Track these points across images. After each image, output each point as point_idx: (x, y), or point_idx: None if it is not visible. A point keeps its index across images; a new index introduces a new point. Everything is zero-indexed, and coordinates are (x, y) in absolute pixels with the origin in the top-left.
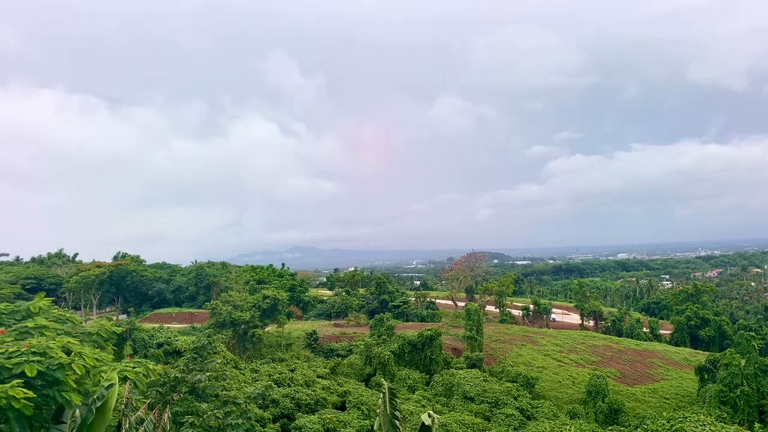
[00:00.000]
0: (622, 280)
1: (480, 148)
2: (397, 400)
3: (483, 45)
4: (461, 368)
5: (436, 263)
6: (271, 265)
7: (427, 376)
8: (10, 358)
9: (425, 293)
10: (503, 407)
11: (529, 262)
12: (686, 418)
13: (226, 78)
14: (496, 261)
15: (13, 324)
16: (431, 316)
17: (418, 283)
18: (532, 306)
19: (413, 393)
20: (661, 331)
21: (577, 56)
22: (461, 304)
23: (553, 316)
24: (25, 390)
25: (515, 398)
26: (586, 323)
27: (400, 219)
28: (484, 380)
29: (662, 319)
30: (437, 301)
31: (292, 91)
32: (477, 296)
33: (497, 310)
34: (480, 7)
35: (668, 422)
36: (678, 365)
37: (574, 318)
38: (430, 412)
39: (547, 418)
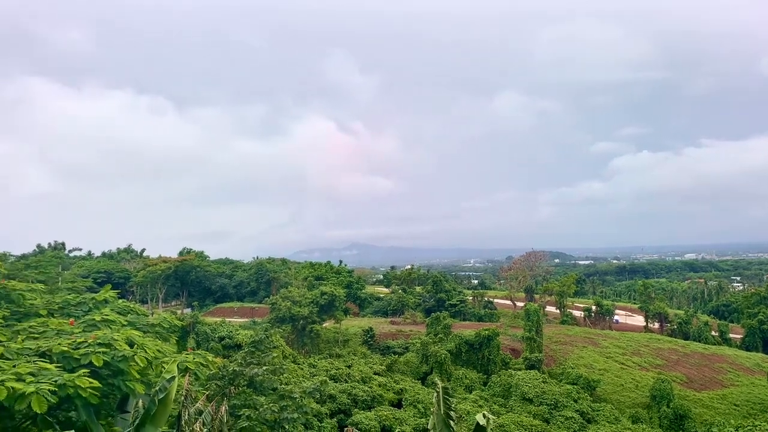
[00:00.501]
0: (689, 281)
1: (541, 145)
2: (452, 400)
3: (546, 39)
4: (520, 369)
5: (495, 262)
6: (328, 262)
7: (485, 376)
8: (78, 348)
9: (483, 292)
10: (563, 409)
11: (592, 262)
12: (756, 426)
13: (287, 78)
14: (557, 261)
15: (81, 315)
16: (489, 315)
17: (476, 282)
18: (594, 307)
19: (470, 393)
20: (731, 335)
21: (645, 49)
22: (520, 304)
23: (616, 317)
24: (90, 379)
25: (575, 401)
26: (650, 325)
27: (457, 217)
28: (543, 382)
29: (732, 322)
30: (495, 300)
31: (351, 89)
32: (537, 296)
33: (558, 310)
34: (544, 0)
35: (737, 430)
36: (749, 371)
37: (638, 320)
38: (485, 412)
39: (608, 422)
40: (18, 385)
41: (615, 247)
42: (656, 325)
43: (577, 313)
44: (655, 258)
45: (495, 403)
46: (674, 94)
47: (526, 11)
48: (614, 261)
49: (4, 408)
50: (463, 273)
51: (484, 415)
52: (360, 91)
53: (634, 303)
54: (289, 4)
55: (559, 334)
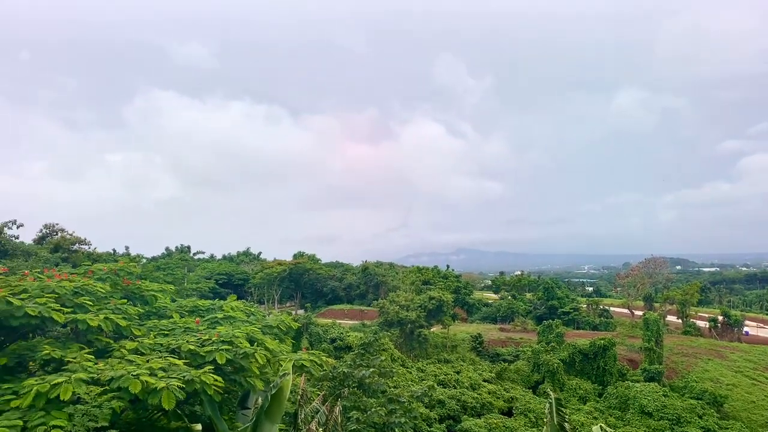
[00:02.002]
0: None
1: (662, 144)
2: (566, 410)
3: (667, 32)
4: (638, 381)
5: (611, 269)
6: (436, 267)
7: (600, 387)
8: (204, 346)
9: (598, 300)
10: (686, 426)
11: (718, 269)
12: None
13: (396, 83)
14: (678, 267)
15: (208, 317)
16: (605, 324)
17: (590, 289)
18: (720, 317)
19: (584, 404)
20: None
21: None
22: (638, 313)
23: (746, 329)
24: (215, 376)
25: (700, 417)
26: None
27: (570, 221)
28: (663, 395)
29: None
30: (611, 309)
31: (460, 91)
32: (656, 305)
33: (679, 320)
34: None
35: None
36: None
37: None
38: (602, 425)
39: None
40: (151, 380)
41: (744, 254)
42: None
43: (701, 324)
44: None
45: (611, 416)
46: None
47: (647, 5)
48: (743, 268)
49: (139, 400)
50: (577, 279)
51: (600, 428)
52: (469, 94)
53: (767, 314)
54: (397, 10)
55: (681, 345)
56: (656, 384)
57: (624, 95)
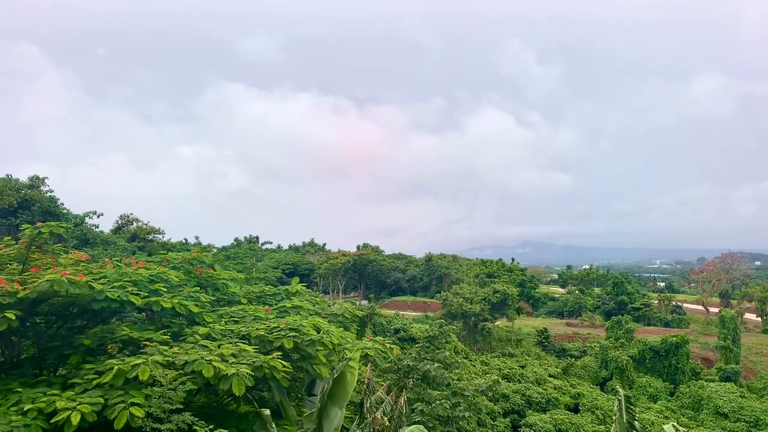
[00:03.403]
0: None
1: (743, 133)
2: (635, 409)
3: (753, 16)
4: (713, 381)
5: (684, 263)
6: (500, 260)
7: (671, 385)
8: (272, 333)
9: (670, 296)
10: (765, 428)
11: None
12: None
13: (462, 72)
14: (758, 263)
15: (275, 303)
16: (677, 321)
17: (662, 284)
18: None
19: (654, 402)
20: None
21: None
22: (714, 310)
23: None
24: (283, 362)
25: None
26: None
27: (642, 214)
28: (741, 396)
29: None
30: (684, 305)
31: (528, 80)
32: (734, 302)
33: (759, 318)
34: None
35: None
36: None
37: None
38: (674, 423)
39: None
40: (222, 366)
41: None
42: None
43: None
44: None
45: (683, 416)
46: None
47: None
48: None
49: (210, 385)
50: (647, 274)
51: (673, 426)
52: (538, 82)
53: None
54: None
55: (760, 344)
56: (732, 384)
57: (702, 81)
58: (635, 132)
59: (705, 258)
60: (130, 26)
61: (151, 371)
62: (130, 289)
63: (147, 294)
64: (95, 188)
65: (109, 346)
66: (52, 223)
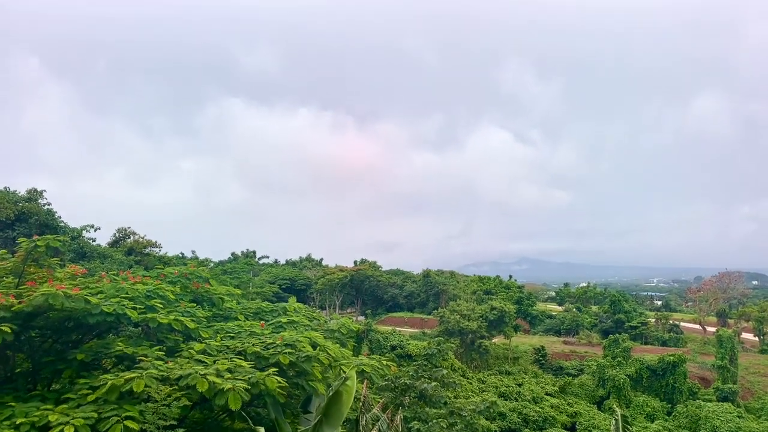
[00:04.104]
0: None
1: (742, 152)
2: (632, 428)
3: (757, 36)
4: (710, 400)
5: (681, 282)
6: (497, 276)
7: (668, 405)
8: (268, 349)
9: (667, 315)
10: None
11: None
12: None
13: (462, 88)
14: (755, 282)
15: (271, 319)
16: (674, 340)
17: (659, 303)
18: None
19: (652, 422)
20: None
21: None
22: (711, 329)
23: None
24: (279, 378)
25: None
26: None
27: (640, 232)
28: (738, 416)
29: None
30: (682, 324)
31: (528, 97)
32: (731, 321)
33: (756, 338)
34: None
35: None
36: None
37: None
38: None
39: None
40: (217, 380)
41: None
42: None
43: None
44: None
45: None
46: None
47: (729, 7)
48: None
49: (206, 400)
50: (645, 293)
51: None
52: (537, 99)
53: None
54: (464, 15)
55: (757, 364)
56: (730, 404)
57: (702, 100)
58: (634, 150)
59: (702, 277)
60: (130, 39)
61: (146, 384)
62: (126, 303)
63: (143, 309)
64: (95, 201)
65: (103, 361)
66: (49, 236)
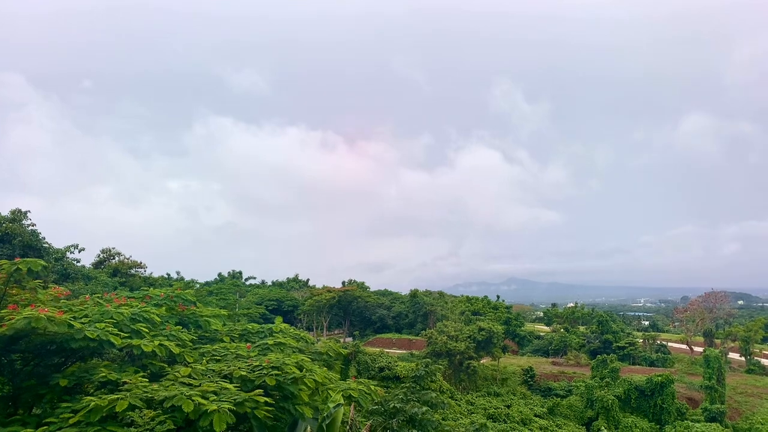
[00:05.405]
0: None
1: (728, 174)
2: None
3: (743, 56)
4: (698, 421)
5: (668, 302)
6: (485, 297)
7: (657, 426)
8: (254, 371)
9: (655, 335)
10: None
11: None
12: None
13: (452, 109)
14: (741, 302)
15: (258, 341)
16: (662, 360)
17: (647, 323)
18: None
19: None
20: None
21: None
22: (698, 349)
23: None
24: (265, 398)
25: None
26: None
27: (627, 252)
28: None
29: None
30: (669, 344)
31: (517, 118)
32: (718, 341)
33: (742, 358)
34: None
35: None
36: None
37: None
38: None
39: None
40: (203, 401)
41: None
42: None
43: (766, 362)
44: None
45: None
46: None
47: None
48: None
49: (191, 422)
50: (632, 313)
51: None
52: (526, 120)
53: None
54: (453, 37)
55: (744, 384)
56: (718, 425)
57: (690, 120)
58: (623, 171)
59: (689, 297)
60: (118, 58)
61: (130, 404)
62: (110, 329)
63: (128, 334)
64: (81, 221)
65: (86, 386)
66: (30, 259)
